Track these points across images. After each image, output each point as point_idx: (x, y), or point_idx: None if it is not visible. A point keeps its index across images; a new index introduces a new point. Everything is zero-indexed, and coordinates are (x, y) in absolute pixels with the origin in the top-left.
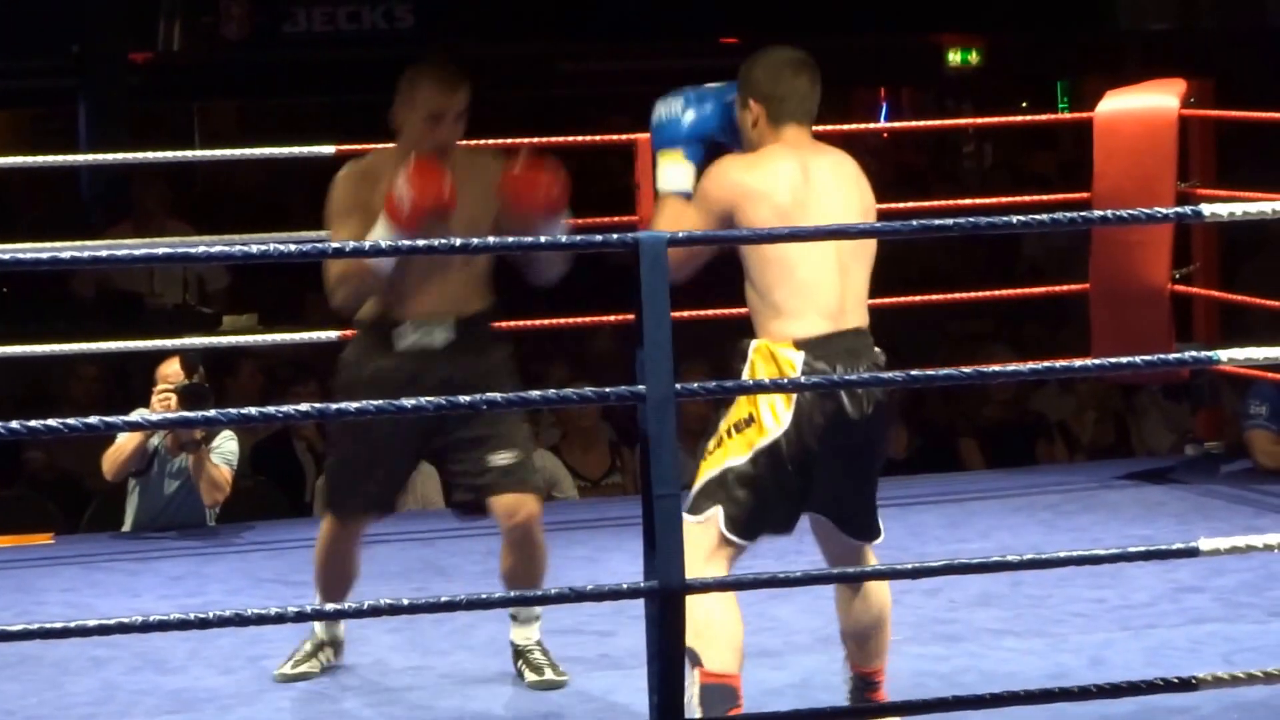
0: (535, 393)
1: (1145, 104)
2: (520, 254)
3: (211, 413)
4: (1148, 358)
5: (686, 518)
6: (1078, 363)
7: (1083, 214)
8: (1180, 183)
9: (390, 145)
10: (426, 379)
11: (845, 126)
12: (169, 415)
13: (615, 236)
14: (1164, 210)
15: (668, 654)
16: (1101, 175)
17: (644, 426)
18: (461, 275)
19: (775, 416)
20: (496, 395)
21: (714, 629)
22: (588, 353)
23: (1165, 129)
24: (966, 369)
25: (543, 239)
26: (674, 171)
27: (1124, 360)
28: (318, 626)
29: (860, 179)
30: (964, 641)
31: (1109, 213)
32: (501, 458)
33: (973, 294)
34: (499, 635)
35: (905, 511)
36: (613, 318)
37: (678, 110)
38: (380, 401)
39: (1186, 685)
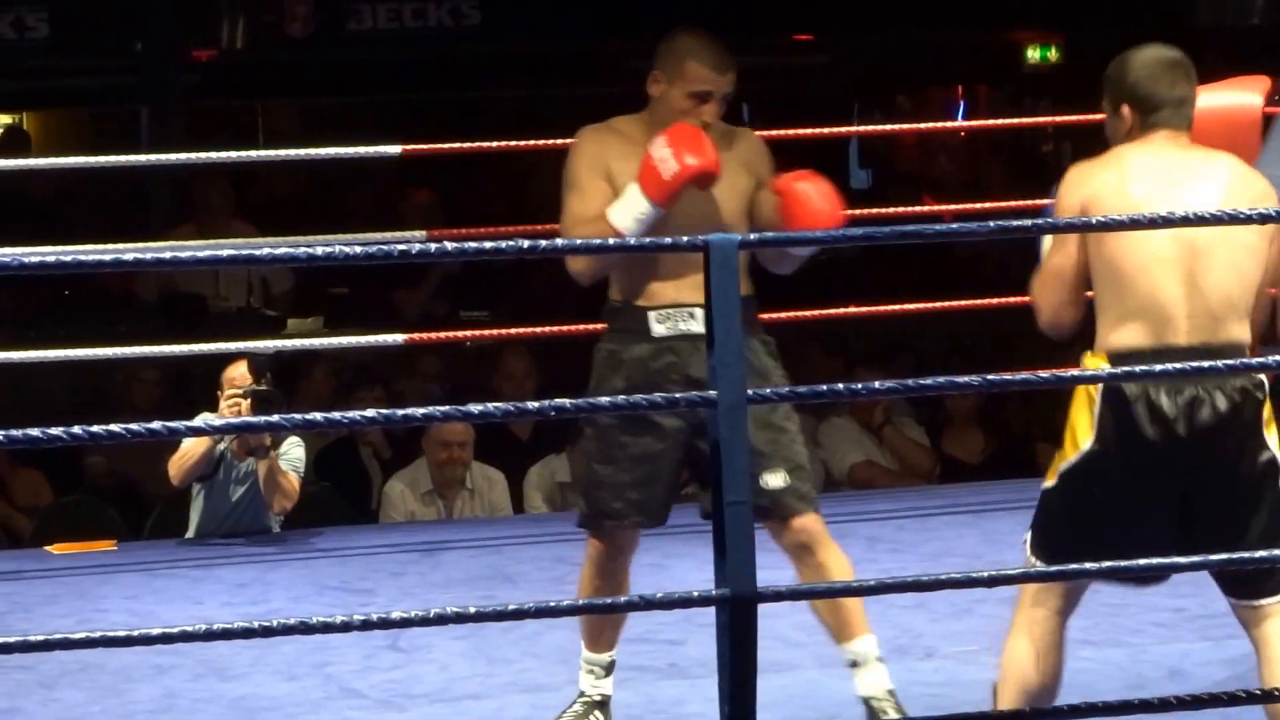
0: (604, 399)
1: (1228, 102)
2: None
3: (277, 418)
4: (1232, 362)
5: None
6: (1159, 366)
7: (1166, 214)
8: None
9: (635, 115)
10: (689, 369)
11: (921, 125)
12: (233, 420)
13: (685, 239)
14: (1246, 211)
15: (739, 663)
16: None
17: (715, 432)
18: None
19: (1078, 436)
20: (565, 401)
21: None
22: None
23: (1249, 127)
24: (1044, 373)
25: (611, 241)
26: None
27: (1208, 364)
28: (585, 684)
29: (1236, 186)
30: None
31: (1191, 213)
32: (774, 479)
33: None
34: (567, 643)
35: (980, 518)
36: None
37: None
38: (446, 408)
39: (1269, 697)
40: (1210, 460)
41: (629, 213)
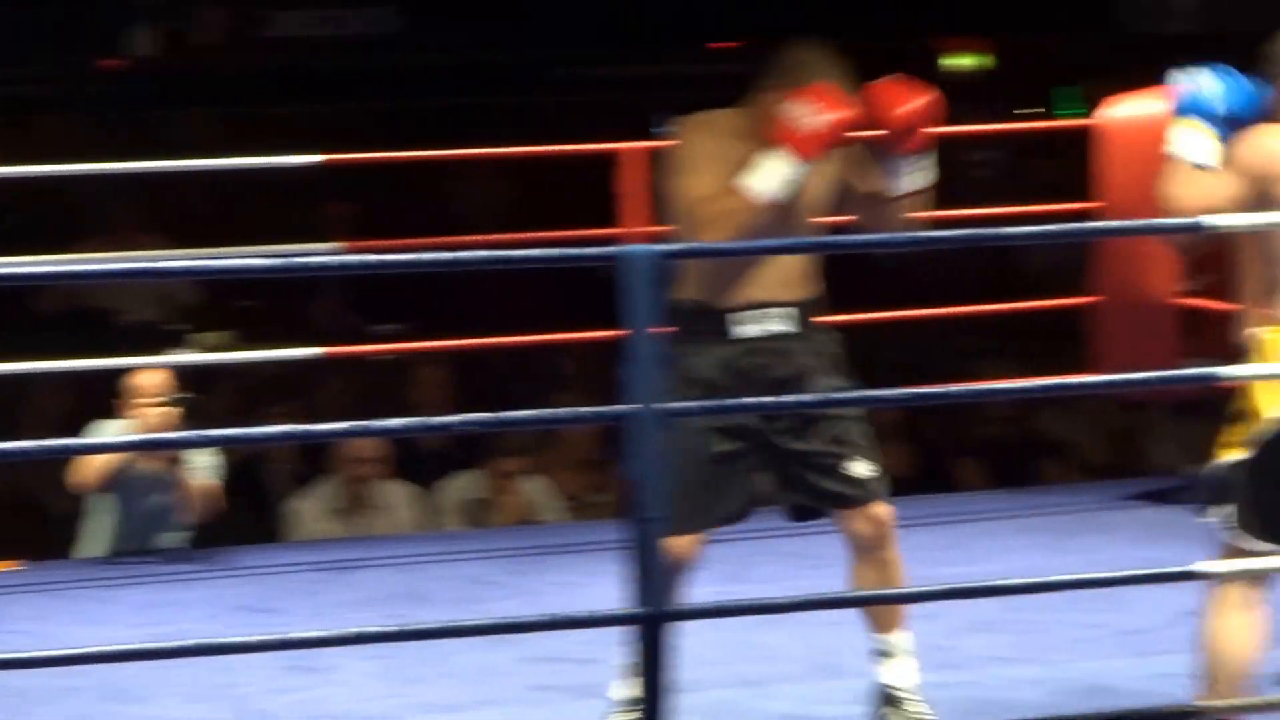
0: (519, 413)
1: (1151, 110)
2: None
3: (192, 434)
4: (1151, 374)
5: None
6: (1082, 379)
7: (1079, 225)
8: None
9: (731, 110)
10: (774, 370)
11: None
12: (145, 437)
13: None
14: (1160, 221)
15: (654, 682)
16: (1108, 186)
17: (631, 447)
18: (797, 256)
19: (1268, 403)
20: (478, 416)
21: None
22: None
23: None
24: (994, 385)
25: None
26: (1196, 141)
27: (1132, 376)
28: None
29: None
30: (960, 669)
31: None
32: (861, 468)
33: (977, 308)
34: (480, 663)
35: (901, 533)
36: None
37: (1211, 85)
38: (356, 424)
39: (1189, 713)
40: None
41: (775, 176)
